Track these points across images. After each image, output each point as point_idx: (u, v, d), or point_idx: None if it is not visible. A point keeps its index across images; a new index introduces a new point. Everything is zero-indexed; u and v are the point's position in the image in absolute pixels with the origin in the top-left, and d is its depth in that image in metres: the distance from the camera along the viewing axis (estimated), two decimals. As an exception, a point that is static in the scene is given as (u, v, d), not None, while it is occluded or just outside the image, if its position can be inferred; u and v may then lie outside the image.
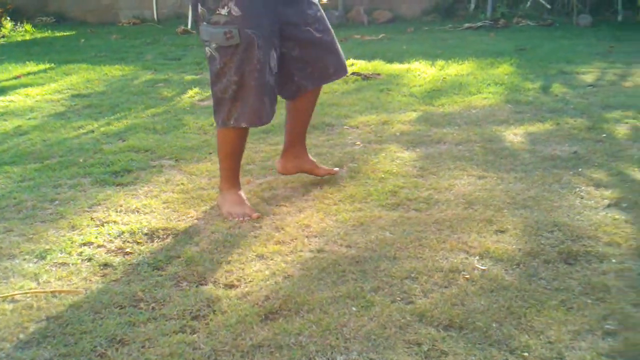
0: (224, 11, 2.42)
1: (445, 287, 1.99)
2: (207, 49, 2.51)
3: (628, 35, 7.48)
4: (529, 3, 9.09)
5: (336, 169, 2.98)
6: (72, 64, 6.50)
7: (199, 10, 2.50)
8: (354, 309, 1.88)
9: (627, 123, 3.72)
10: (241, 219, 2.55)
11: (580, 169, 2.96)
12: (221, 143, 2.67)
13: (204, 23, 2.49)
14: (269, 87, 2.54)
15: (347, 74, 2.93)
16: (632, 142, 3.36)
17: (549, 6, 9.02)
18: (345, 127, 3.87)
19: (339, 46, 2.78)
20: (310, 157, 2.96)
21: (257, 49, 2.44)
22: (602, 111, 4.01)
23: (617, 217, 2.43)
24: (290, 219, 2.55)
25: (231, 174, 2.69)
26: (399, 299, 1.93)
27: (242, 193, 2.70)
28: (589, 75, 5.20)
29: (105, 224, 2.54)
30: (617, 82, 4.90)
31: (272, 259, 2.21)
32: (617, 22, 8.58)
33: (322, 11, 2.72)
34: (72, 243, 2.38)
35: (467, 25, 8.66)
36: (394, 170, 3.04)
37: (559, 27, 8.35)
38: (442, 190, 2.78)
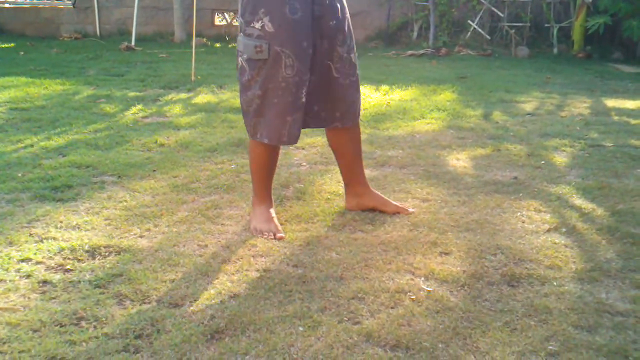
0: (258, 25, 2.44)
1: (392, 307, 2.00)
2: (239, 59, 2.52)
3: (563, 67, 7.77)
4: (469, 33, 9.35)
5: (411, 209, 2.82)
6: (11, 76, 6.33)
7: (238, 21, 2.53)
8: (300, 328, 1.86)
9: (564, 151, 3.85)
10: (266, 236, 2.53)
11: (520, 194, 3.04)
12: (251, 155, 2.68)
13: (241, 34, 2.51)
14: (296, 107, 2.50)
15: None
16: (569, 169, 3.47)
17: (488, 37, 9.30)
18: (292, 148, 3.87)
19: (358, 95, 2.70)
20: (377, 192, 2.87)
21: (285, 67, 2.43)
22: (541, 139, 4.13)
23: (557, 241, 2.50)
24: (237, 238, 2.52)
25: (261, 189, 2.69)
26: (346, 319, 1.93)
27: (272, 210, 2.68)
28: (527, 104, 5.37)
29: (44, 240, 2.46)
30: (554, 112, 5.07)
31: (217, 278, 2.18)
32: (553, 54, 8.90)
33: (355, 56, 2.65)
34: (9, 259, 2.29)
35: (410, 52, 8.84)
36: (340, 192, 3.05)
37: (498, 58, 8.61)
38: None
